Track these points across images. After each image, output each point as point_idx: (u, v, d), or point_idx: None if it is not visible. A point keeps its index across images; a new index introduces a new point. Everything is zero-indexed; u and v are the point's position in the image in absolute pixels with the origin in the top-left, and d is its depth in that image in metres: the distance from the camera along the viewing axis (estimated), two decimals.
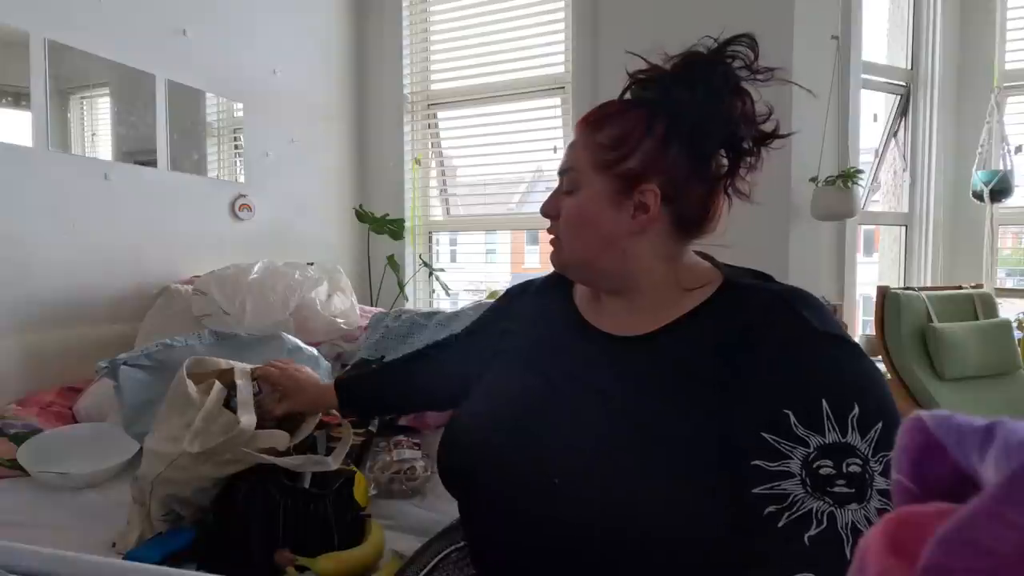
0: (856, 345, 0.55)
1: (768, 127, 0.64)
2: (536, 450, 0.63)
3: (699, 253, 0.71)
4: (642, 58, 0.67)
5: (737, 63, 0.62)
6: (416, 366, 1.00)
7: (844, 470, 0.48)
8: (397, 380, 1.01)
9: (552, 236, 0.73)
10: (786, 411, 0.51)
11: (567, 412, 0.64)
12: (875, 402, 0.50)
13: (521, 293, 0.87)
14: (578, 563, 0.58)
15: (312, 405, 1.04)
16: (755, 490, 0.50)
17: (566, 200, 0.69)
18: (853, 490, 0.47)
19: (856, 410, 0.49)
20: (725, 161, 0.65)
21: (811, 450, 0.49)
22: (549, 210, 0.72)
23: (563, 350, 0.71)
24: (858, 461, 0.48)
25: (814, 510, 0.48)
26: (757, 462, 0.51)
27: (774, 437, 0.51)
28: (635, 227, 0.65)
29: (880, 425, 0.49)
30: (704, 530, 0.53)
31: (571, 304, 0.75)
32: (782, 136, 0.65)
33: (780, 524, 0.48)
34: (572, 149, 0.70)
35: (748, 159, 0.65)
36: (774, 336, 0.56)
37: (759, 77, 0.63)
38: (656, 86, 0.66)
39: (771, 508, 0.49)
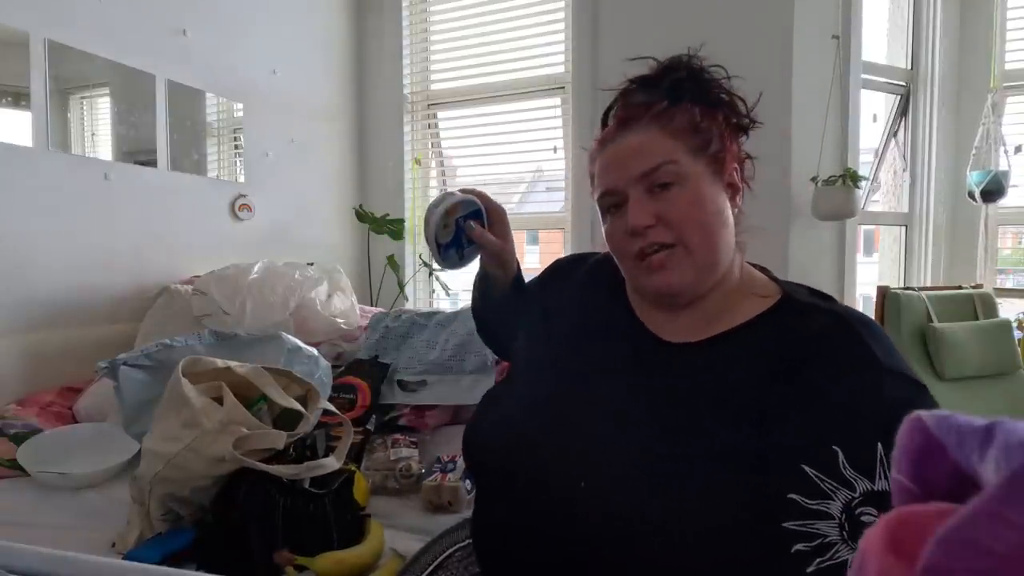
0: (924, 386, 0.52)
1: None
2: (568, 451, 0.60)
3: (755, 265, 0.68)
4: (653, 59, 0.67)
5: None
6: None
7: None
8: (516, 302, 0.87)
9: (658, 251, 0.61)
10: (835, 448, 0.47)
11: (602, 414, 0.62)
12: None
13: (573, 269, 0.80)
14: (593, 570, 0.56)
15: (510, 252, 0.84)
16: (786, 524, 0.47)
17: (667, 197, 0.61)
18: None
19: None
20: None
21: (856, 495, 0.46)
22: (646, 218, 0.60)
23: (609, 348, 0.67)
24: None
25: (850, 562, 0.44)
26: (794, 495, 0.48)
27: (817, 474, 0.47)
28: (733, 209, 0.64)
29: None
30: (720, 554, 0.51)
31: (623, 296, 0.71)
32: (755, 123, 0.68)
33: (810, 569, 0.45)
34: (649, 145, 0.62)
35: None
36: (833, 362, 0.52)
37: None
38: (664, 85, 0.64)
39: (800, 546, 0.46)
